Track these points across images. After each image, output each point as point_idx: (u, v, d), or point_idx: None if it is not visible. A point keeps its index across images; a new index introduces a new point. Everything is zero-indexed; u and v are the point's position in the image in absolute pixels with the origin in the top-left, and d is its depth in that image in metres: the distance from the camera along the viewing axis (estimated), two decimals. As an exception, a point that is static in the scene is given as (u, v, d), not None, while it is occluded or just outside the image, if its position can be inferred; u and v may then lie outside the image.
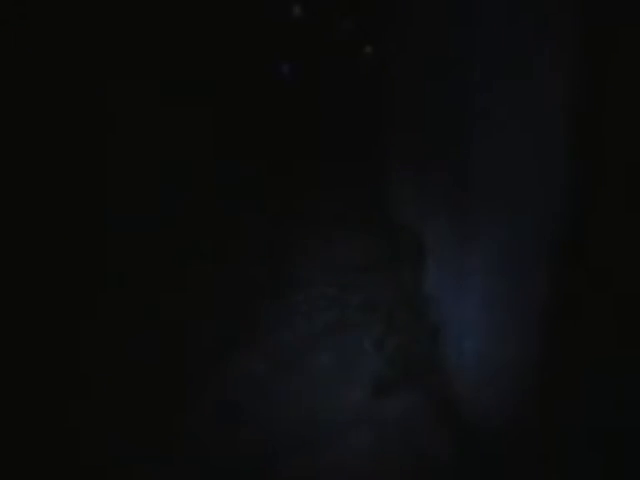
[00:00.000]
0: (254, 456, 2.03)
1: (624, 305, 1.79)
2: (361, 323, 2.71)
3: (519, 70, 1.73)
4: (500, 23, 1.70)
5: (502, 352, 2.02)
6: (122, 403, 2.27)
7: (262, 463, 2.00)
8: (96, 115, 2.92)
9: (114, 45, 2.93)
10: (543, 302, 1.96)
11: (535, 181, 1.83)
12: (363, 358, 2.51)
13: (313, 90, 3.59)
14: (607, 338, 1.84)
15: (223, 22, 3.17)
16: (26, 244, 2.70)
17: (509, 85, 1.74)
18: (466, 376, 2.13)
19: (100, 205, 2.93)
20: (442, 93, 2.18)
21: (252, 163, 3.44)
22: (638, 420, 1.72)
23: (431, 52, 2.35)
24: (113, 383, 2.35)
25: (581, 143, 1.81)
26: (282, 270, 3.14)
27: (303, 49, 3.57)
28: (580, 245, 1.88)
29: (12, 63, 2.77)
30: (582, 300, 1.92)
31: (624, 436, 1.75)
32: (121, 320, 2.66)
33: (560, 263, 1.91)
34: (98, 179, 2.94)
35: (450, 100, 2.05)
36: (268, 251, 3.24)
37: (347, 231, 3.28)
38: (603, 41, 1.75)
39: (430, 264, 2.51)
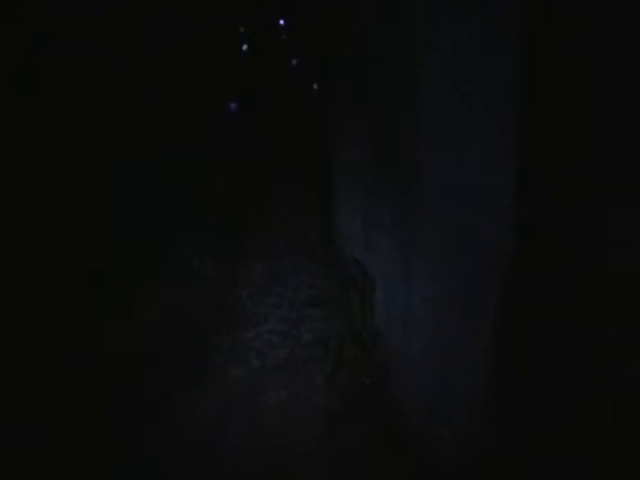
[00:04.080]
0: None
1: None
2: (312, 358, 2.74)
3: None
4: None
5: (452, 382, 2.12)
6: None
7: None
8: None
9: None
10: (494, 327, 2.09)
11: (484, 209, 1.95)
12: (315, 394, 2.53)
13: (260, 126, 3.68)
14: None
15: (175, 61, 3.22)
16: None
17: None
18: (417, 408, 2.20)
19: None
20: (389, 120, 2.25)
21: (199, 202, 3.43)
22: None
23: (377, 78, 2.43)
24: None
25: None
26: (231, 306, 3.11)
27: (251, 85, 3.68)
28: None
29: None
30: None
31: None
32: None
33: (509, 287, 2.05)
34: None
35: (398, 126, 2.14)
36: (215, 287, 3.19)
37: (296, 264, 3.31)
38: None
39: (378, 296, 2.60)
